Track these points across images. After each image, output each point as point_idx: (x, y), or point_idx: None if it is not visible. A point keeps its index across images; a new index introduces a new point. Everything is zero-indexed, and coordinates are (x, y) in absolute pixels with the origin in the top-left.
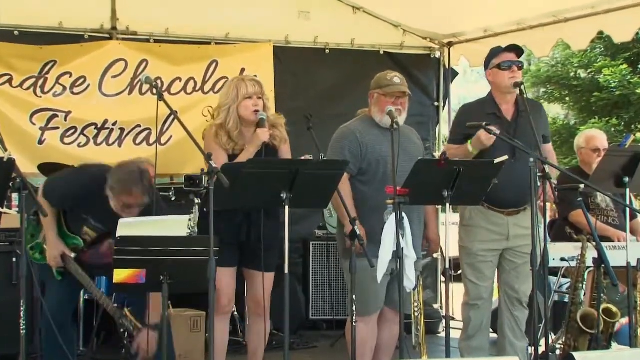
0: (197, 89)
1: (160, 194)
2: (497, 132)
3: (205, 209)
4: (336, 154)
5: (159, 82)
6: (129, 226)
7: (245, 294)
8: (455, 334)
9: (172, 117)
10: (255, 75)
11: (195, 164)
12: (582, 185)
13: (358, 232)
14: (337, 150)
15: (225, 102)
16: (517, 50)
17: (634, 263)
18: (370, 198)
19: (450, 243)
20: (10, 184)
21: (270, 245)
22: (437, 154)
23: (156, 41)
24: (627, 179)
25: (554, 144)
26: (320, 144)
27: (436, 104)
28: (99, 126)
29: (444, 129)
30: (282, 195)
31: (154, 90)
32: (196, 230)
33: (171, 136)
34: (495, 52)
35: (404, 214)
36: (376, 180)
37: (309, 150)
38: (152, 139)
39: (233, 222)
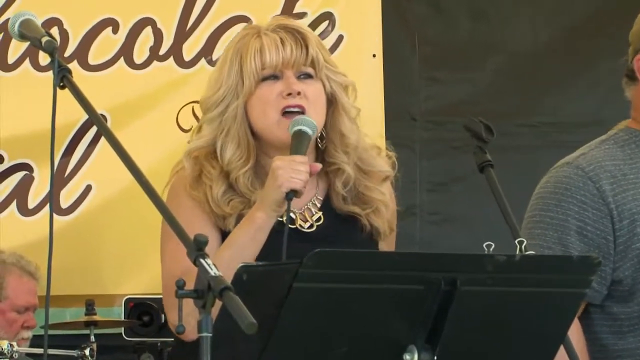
0: (162, 52)
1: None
2: None
3: None
4: (544, 236)
5: (54, 32)
6: None
7: None
8: None
9: (93, 131)
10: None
11: (150, 269)
12: None
13: None
14: (546, 227)
15: (217, 98)
16: None
17: None
18: None
19: None
20: None
21: None
22: None
23: None
24: None
25: None
26: (515, 211)
27: None
28: None
29: None
30: (406, 357)
31: (51, 60)
32: None
33: (89, 187)
34: None
35: None
36: None
37: (482, 226)
38: (39, 197)
39: None
